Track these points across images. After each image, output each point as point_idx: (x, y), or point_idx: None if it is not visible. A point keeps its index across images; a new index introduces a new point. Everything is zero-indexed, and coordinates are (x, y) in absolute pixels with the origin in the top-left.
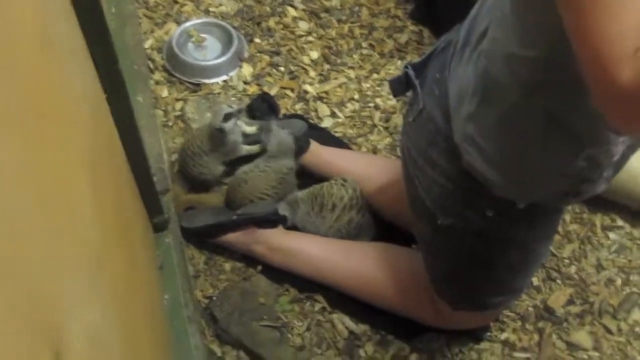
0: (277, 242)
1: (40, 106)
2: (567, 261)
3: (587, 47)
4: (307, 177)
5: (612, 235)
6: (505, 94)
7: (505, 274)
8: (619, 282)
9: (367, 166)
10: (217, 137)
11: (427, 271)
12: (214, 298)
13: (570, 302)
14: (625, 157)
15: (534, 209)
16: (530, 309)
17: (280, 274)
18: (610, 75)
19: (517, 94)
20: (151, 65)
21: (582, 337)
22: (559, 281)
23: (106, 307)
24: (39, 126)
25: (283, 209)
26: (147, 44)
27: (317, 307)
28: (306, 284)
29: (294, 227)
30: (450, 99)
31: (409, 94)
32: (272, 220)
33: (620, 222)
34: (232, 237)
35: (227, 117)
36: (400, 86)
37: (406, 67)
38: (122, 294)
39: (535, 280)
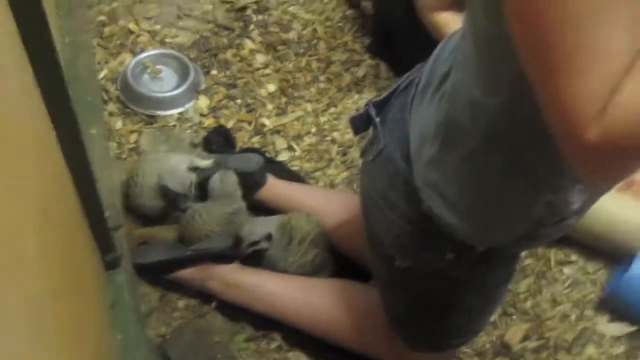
0: (233, 278)
1: None
2: (522, 296)
3: (554, 104)
4: (265, 212)
5: (566, 270)
6: (466, 139)
7: (463, 316)
8: (573, 317)
9: (325, 201)
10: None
11: (385, 310)
12: (168, 337)
13: (527, 337)
14: (586, 206)
15: (492, 252)
16: (487, 345)
17: (236, 311)
18: (578, 133)
19: (478, 140)
20: (105, 96)
21: None
22: (515, 317)
23: (55, 352)
24: None
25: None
26: (102, 74)
27: (273, 345)
28: (263, 322)
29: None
30: (410, 142)
31: (370, 131)
32: (228, 256)
33: (574, 257)
34: (187, 273)
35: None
36: (361, 124)
37: (367, 105)
38: (70, 340)
39: (492, 317)
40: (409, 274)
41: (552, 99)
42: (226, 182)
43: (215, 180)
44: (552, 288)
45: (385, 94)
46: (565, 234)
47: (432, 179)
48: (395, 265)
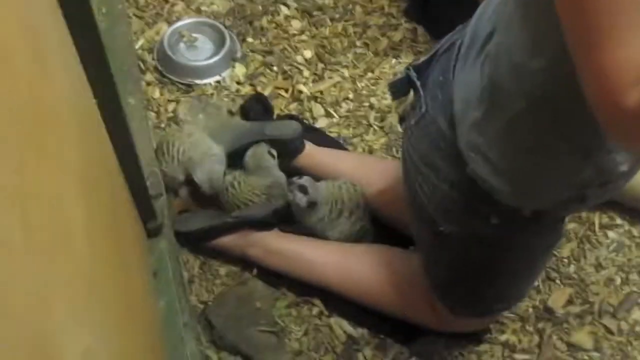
0: (273, 244)
1: (34, 122)
2: (566, 261)
3: (594, 71)
4: None
5: (610, 233)
6: (511, 102)
7: (508, 281)
8: (618, 281)
9: (364, 167)
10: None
11: (427, 276)
12: (210, 304)
13: (570, 302)
14: (635, 168)
15: (539, 216)
16: (530, 309)
17: (276, 278)
18: (616, 99)
19: (523, 103)
20: (142, 66)
21: (582, 337)
22: (558, 281)
23: (100, 328)
24: (30, 144)
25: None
26: (138, 44)
27: (315, 311)
28: (303, 288)
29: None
30: (454, 105)
31: (409, 96)
32: (268, 223)
33: (618, 221)
34: (227, 241)
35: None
36: (400, 88)
37: (408, 68)
38: (116, 308)
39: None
40: (453, 239)
41: (592, 66)
42: (258, 156)
43: (248, 156)
44: (596, 252)
45: (425, 57)
46: (611, 196)
47: (476, 142)
48: (439, 231)
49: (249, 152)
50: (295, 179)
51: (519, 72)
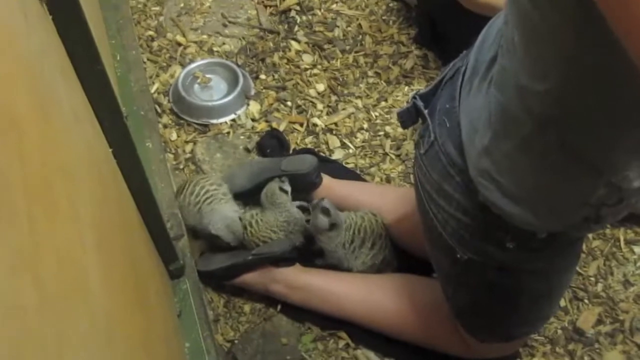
0: (295, 280)
1: (43, 183)
2: (592, 279)
3: None
4: None
5: (637, 249)
6: (519, 126)
7: (529, 305)
8: None
9: (382, 197)
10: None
11: (448, 303)
12: (236, 342)
13: (600, 321)
14: None
15: (555, 238)
16: (559, 331)
17: (301, 313)
18: None
19: (531, 127)
20: (158, 109)
21: (614, 357)
22: (586, 300)
23: None
24: (39, 204)
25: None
26: (153, 88)
27: (341, 344)
28: (328, 321)
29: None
30: (462, 132)
31: (419, 124)
32: (289, 259)
33: None
34: (250, 278)
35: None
36: (409, 117)
37: (414, 97)
38: (140, 353)
39: (562, 302)
40: (471, 266)
41: None
42: (271, 193)
43: (263, 194)
44: (623, 269)
45: (431, 84)
46: (633, 211)
47: (486, 168)
48: (457, 258)
49: (264, 190)
50: (315, 201)
51: (524, 94)
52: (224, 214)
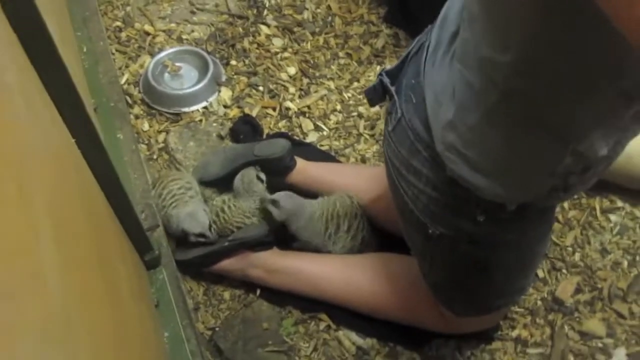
0: (273, 263)
1: None
2: (570, 249)
3: None
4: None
5: (613, 217)
6: (482, 98)
7: (503, 276)
8: (625, 264)
9: (356, 178)
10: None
11: (424, 279)
12: (217, 329)
13: (579, 290)
14: (616, 151)
15: (525, 209)
16: (539, 302)
17: (281, 296)
18: None
19: (494, 98)
20: (129, 100)
21: (594, 325)
22: (564, 270)
23: None
24: None
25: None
26: (123, 79)
27: (322, 325)
28: (308, 304)
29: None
30: (427, 106)
31: (387, 101)
32: (265, 243)
33: (620, 203)
34: (228, 264)
35: (200, 235)
36: (376, 95)
37: (380, 74)
38: (111, 344)
39: (540, 272)
40: (443, 241)
41: None
42: (247, 181)
43: (237, 180)
44: (600, 237)
45: (397, 61)
46: (608, 180)
47: (452, 142)
48: (429, 234)
49: (238, 177)
50: (270, 197)
51: (487, 66)
52: (186, 211)
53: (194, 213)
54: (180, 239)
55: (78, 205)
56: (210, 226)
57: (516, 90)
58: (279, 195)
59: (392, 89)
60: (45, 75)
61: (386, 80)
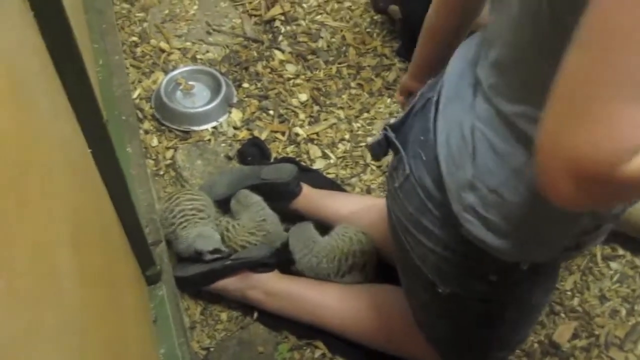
0: (273, 286)
1: (19, 166)
2: (569, 293)
3: (595, 115)
4: (301, 221)
5: (613, 264)
6: (508, 159)
7: (510, 329)
8: (623, 312)
9: (360, 208)
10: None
11: (423, 331)
12: (212, 349)
13: (576, 335)
14: (625, 209)
15: (537, 267)
16: (536, 345)
17: (278, 321)
18: (617, 158)
19: (519, 160)
20: (140, 115)
21: None
22: (562, 315)
23: None
24: (10, 194)
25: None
26: (135, 93)
27: (317, 353)
28: (305, 330)
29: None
30: (441, 166)
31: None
32: (267, 264)
33: (621, 251)
34: (227, 284)
35: (215, 251)
36: (380, 149)
37: (385, 129)
38: (113, 355)
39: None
40: (452, 299)
41: (597, 110)
42: (242, 198)
43: (233, 203)
44: (599, 284)
45: (400, 115)
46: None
47: (470, 203)
48: (438, 292)
49: (232, 200)
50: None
51: (511, 123)
52: (195, 233)
53: (203, 232)
54: (183, 258)
55: (92, 215)
56: (222, 240)
57: None
58: (292, 231)
59: (398, 143)
60: (69, 84)
61: (391, 134)
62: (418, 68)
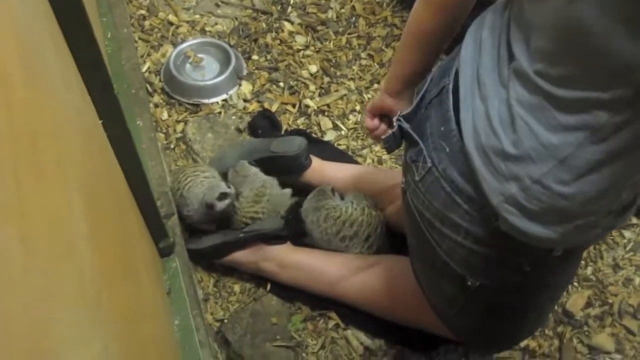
0: (286, 258)
1: (31, 137)
2: (583, 262)
3: None
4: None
5: (627, 233)
6: (552, 150)
7: (536, 316)
8: (637, 281)
9: (371, 179)
10: (206, 209)
11: (446, 324)
12: (225, 321)
13: (589, 304)
14: None
15: (569, 251)
16: (550, 314)
17: (291, 292)
18: None
19: (566, 151)
20: (149, 89)
21: (603, 339)
22: (576, 284)
23: (109, 339)
24: (26, 163)
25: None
26: (145, 67)
27: (331, 324)
28: (318, 301)
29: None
30: (472, 157)
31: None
32: (280, 236)
33: (634, 220)
34: (241, 256)
35: (222, 196)
36: (394, 141)
37: (399, 119)
38: (127, 324)
39: None
40: (483, 291)
41: None
42: (240, 170)
43: (231, 178)
44: (613, 253)
45: (412, 105)
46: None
47: (513, 194)
48: (467, 285)
49: (229, 173)
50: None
51: (573, 106)
52: (202, 190)
53: (209, 184)
54: (196, 230)
55: (104, 185)
56: (230, 218)
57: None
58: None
59: (415, 135)
60: (78, 53)
61: (405, 125)
62: (398, 82)
